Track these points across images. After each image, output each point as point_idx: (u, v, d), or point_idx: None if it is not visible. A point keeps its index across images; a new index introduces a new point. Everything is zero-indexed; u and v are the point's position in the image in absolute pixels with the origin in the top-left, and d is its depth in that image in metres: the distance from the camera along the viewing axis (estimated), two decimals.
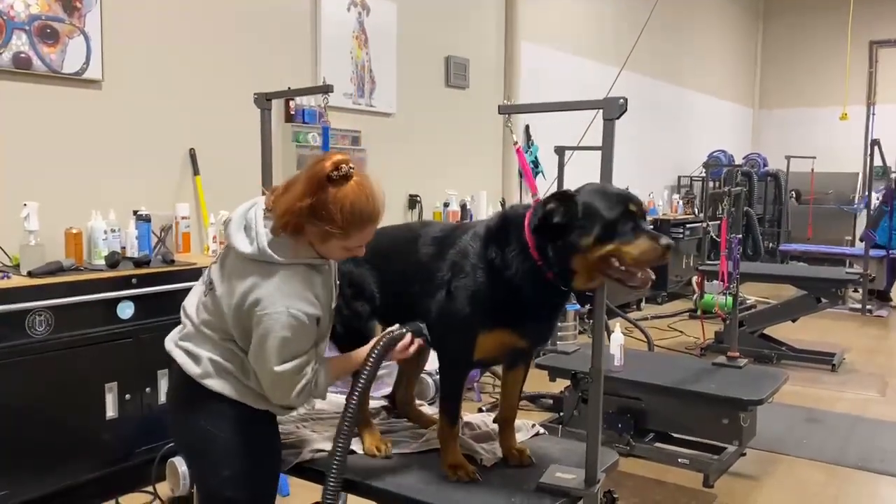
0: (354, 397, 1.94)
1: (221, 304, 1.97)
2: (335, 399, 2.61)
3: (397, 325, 2.05)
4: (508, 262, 1.96)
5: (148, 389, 3.44)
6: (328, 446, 2.24)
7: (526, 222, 1.95)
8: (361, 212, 1.90)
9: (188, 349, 2.03)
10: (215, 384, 1.99)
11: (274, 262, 1.92)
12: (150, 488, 3.43)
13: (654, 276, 1.93)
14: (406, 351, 2.04)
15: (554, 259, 1.91)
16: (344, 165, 1.88)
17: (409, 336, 2.03)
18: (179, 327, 2.11)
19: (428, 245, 2.15)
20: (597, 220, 1.87)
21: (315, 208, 1.87)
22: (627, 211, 1.88)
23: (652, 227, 1.93)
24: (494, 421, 2.36)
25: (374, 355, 1.97)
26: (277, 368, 1.91)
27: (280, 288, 1.90)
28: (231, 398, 2.00)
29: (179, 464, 3.30)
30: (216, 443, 2.01)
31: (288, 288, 1.91)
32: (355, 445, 2.22)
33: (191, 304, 2.11)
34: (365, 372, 1.96)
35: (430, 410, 2.49)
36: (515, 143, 2.83)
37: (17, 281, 3.09)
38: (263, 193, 2.06)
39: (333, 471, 1.90)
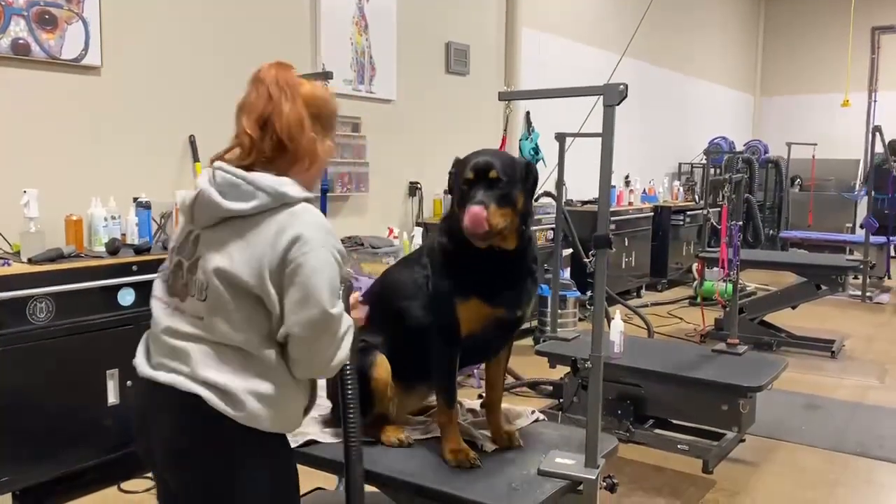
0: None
1: (226, 286, 1.62)
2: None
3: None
4: (457, 236, 2.04)
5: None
6: (325, 437, 2.26)
7: None
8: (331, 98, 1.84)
9: (215, 383, 1.63)
10: (262, 418, 1.65)
11: (293, 200, 1.67)
12: (151, 474, 3.45)
13: (482, 232, 1.92)
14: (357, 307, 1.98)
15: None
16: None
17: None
18: (166, 351, 1.70)
19: (401, 267, 2.35)
20: (457, 188, 2.03)
21: (318, 117, 1.76)
22: (466, 179, 1.97)
23: (499, 190, 1.94)
24: (482, 406, 2.37)
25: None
26: (334, 311, 1.64)
27: (314, 223, 1.66)
28: (267, 430, 1.68)
29: None
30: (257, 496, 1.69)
31: (321, 222, 1.69)
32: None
33: (171, 320, 1.72)
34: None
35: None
36: (504, 131, 2.83)
37: (17, 268, 3.10)
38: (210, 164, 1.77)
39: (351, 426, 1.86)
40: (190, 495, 1.72)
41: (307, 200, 1.71)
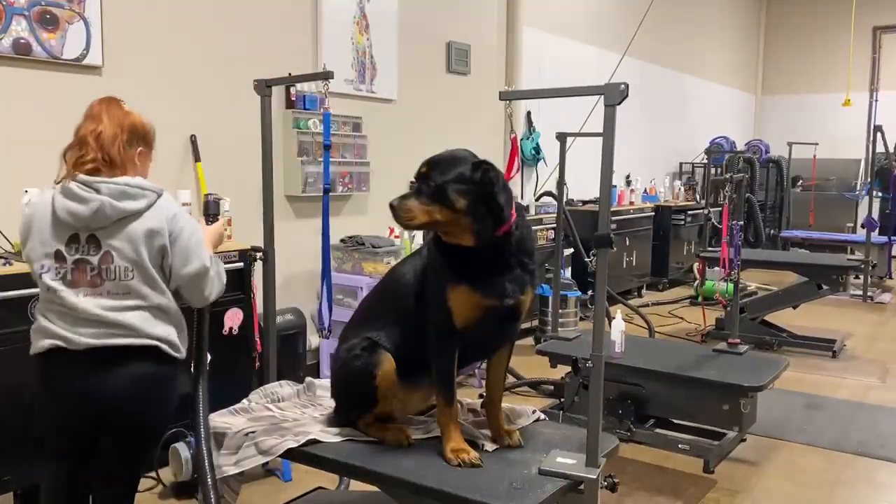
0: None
1: (139, 266, 2.19)
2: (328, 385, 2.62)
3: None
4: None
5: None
6: (326, 436, 2.27)
7: None
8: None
9: (159, 336, 2.23)
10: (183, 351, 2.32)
11: (155, 190, 2.26)
12: (153, 473, 3.45)
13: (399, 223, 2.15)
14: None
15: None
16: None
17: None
18: (104, 324, 2.17)
19: (406, 260, 2.46)
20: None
21: (145, 138, 2.42)
22: (422, 170, 2.14)
23: (429, 188, 2.08)
24: (483, 405, 2.37)
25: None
26: (207, 262, 2.29)
27: (175, 203, 2.32)
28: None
29: (182, 449, 3.34)
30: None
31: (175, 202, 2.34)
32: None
33: (94, 302, 2.19)
34: None
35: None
36: (513, 132, 2.85)
37: (18, 267, 3.10)
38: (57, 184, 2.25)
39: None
40: (141, 423, 2.27)
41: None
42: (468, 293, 2.08)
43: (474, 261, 2.09)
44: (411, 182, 2.15)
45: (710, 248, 6.72)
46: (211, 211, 2.67)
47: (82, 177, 2.19)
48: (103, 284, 2.18)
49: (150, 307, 2.22)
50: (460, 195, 2.04)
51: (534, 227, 6.38)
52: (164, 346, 2.23)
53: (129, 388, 2.20)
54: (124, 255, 2.18)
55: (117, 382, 2.19)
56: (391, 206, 2.09)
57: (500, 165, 6.96)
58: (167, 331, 2.24)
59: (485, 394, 2.36)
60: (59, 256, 2.18)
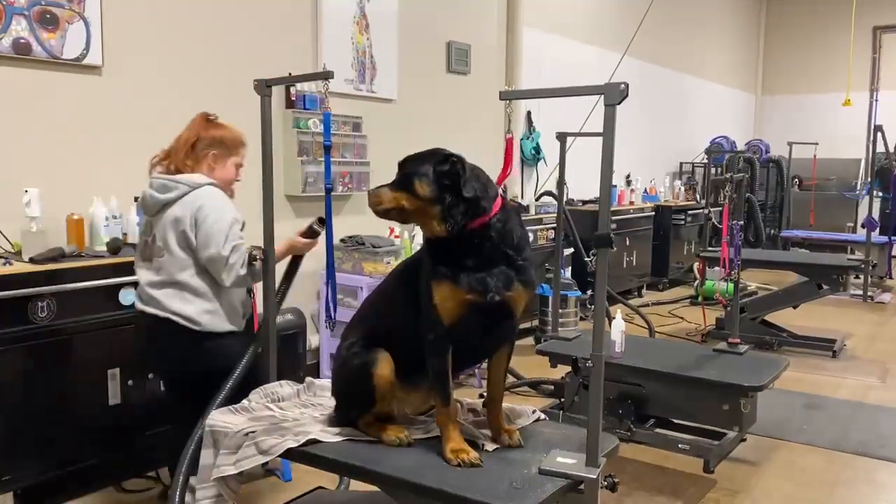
0: None
1: (169, 248, 2.75)
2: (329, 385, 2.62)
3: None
4: None
5: (150, 375, 3.45)
6: (326, 436, 2.27)
7: None
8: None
9: (177, 311, 2.75)
10: (203, 324, 2.77)
11: (189, 184, 2.76)
12: (152, 473, 3.45)
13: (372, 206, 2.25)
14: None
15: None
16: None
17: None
18: (147, 295, 2.80)
19: (400, 269, 2.47)
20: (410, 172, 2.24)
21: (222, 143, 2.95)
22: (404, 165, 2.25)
23: (399, 178, 2.23)
24: (484, 405, 2.37)
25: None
26: (224, 251, 2.69)
27: (210, 197, 2.76)
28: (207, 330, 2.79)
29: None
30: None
31: (216, 197, 2.80)
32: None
33: (146, 275, 2.81)
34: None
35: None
36: (509, 132, 2.87)
37: (18, 267, 3.10)
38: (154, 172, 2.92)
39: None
40: (170, 380, 3.04)
41: (214, 185, 2.84)
42: (450, 288, 2.10)
43: (455, 254, 2.11)
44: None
45: (710, 248, 6.72)
46: (307, 233, 3.05)
47: (154, 173, 2.87)
48: (151, 261, 2.79)
49: (174, 283, 2.74)
50: (424, 184, 2.14)
51: (534, 227, 6.38)
52: (179, 320, 2.73)
53: (155, 352, 2.89)
54: (161, 237, 2.75)
55: (150, 344, 2.87)
56: (368, 192, 2.27)
57: (498, 165, 6.96)
58: (184, 307, 2.73)
59: (486, 393, 2.36)
60: (140, 236, 2.91)
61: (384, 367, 2.20)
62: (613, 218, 7.14)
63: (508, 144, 2.87)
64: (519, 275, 2.15)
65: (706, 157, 9.00)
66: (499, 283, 2.11)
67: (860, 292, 7.98)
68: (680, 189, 9.74)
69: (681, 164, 10.85)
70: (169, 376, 3.01)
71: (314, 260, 3.52)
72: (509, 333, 2.28)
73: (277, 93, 4.74)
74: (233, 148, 2.96)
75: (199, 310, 2.75)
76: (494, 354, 2.29)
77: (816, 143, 9.85)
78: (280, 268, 3.00)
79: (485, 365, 2.40)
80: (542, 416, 2.52)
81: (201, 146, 2.89)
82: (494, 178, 2.30)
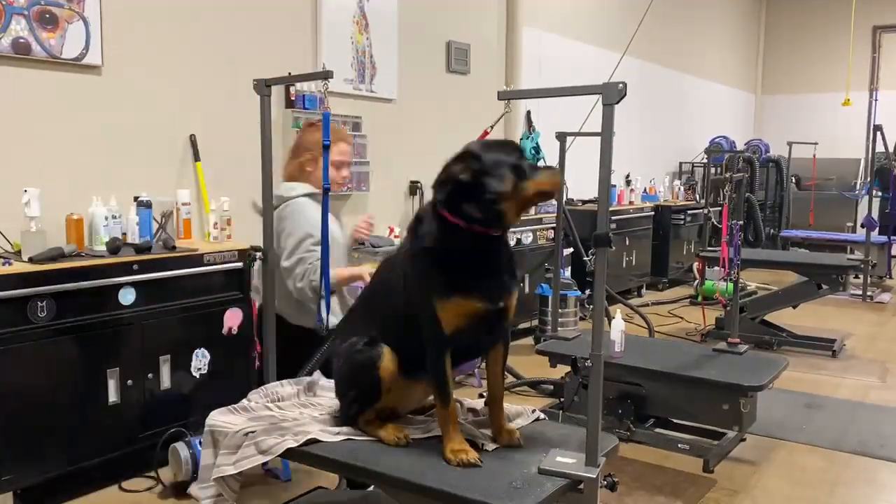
0: None
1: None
2: (329, 385, 2.61)
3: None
4: (435, 236, 2.10)
5: (150, 375, 3.45)
6: (326, 436, 2.27)
7: (433, 200, 2.13)
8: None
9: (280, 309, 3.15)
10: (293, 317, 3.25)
11: (285, 196, 3.17)
12: (152, 473, 3.45)
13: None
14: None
15: (480, 211, 2.04)
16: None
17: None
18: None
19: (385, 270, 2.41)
20: (505, 167, 2.05)
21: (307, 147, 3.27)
22: (521, 153, 2.13)
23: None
24: (486, 404, 2.37)
25: None
26: (286, 264, 3.09)
27: (296, 214, 3.16)
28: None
29: (181, 449, 3.34)
30: None
31: (300, 213, 3.16)
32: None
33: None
34: None
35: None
36: (490, 128, 2.88)
37: (18, 267, 3.09)
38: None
39: None
40: None
41: (308, 195, 3.21)
42: (461, 301, 2.07)
43: (471, 261, 2.08)
44: (526, 161, 2.13)
45: (709, 248, 6.72)
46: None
47: (280, 182, 3.26)
48: None
49: (282, 282, 3.13)
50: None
51: (533, 227, 6.39)
52: (281, 314, 3.14)
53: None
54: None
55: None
56: (556, 171, 2.27)
57: None
58: (280, 303, 3.09)
59: (487, 392, 2.36)
60: None
61: (388, 360, 2.20)
62: (613, 218, 7.15)
63: (483, 135, 2.86)
64: (512, 277, 2.17)
65: (706, 156, 8.99)
66: (502, 289, 2.12)
67: (860, 292, 7.98)
68: (679, 189, 9.73)
69: (680, 163, 10.85)
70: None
71: None
72: (505, 332, 2.29)
73: (277, 92, 4.74)
74: (316, 147, 3.10)
75: (287, 307, 3.19)
76: (491, 352, 2.29)
77: (816, 143, 9.85)
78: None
79: (483, 365, 2.40)
80: (542, 415, 2.52)
81: (299, 152, 3.17)
82: None
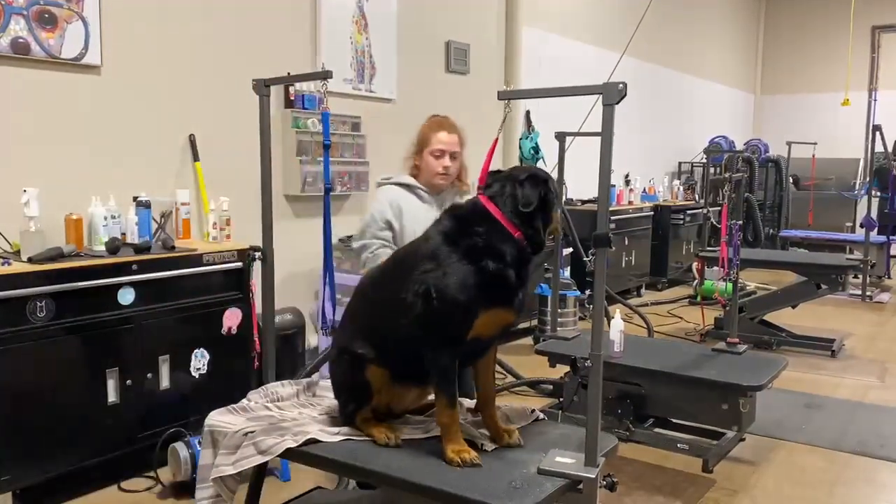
0: None
1: None
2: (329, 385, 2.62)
3: None
4: (491, 243, 2.13)
5: (149, 375, 3.45)
6: (325, 436, 2.27)
7: (492, 209, 2.18)
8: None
9: None
10: None
11: (378, 182, 3.25)
12: (152, 473, 3.45)
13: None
14: None
15: (538, 229, 2.20)
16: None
17: None
18: None
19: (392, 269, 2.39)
20: (555, 196, 2.28)
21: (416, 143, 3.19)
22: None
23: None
24: (476, 408, 2.37)
25: None
26: (355, 245, 3.17)
27: (377, 197, 3.17)
28: None
29: (181, 449, 3.33)
30: None
31: (381, 197, 3.15)
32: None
33: None
34: None
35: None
36: (499, 132, 2.88)
37: (17, 267, 3.09)
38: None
39: None
40: None
41: (398, 184, 3.16)
42: (500, 311, 2.14)
43: (509, 275, 2.13)
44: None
45: (709, 248, 6.73)
46: None
47: None
48: None
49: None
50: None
51: None
52: None
53: None
54: None
55: None
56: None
57: (499, 166, 6.95)
58: None
59: (477, 397, 2.36)
60: None
61: (376, 365, 2.22)
62: (612, 218, 7.14)
63: (494, 144, 2.86)
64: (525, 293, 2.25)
65: (705, 156, 8.98)
66: (522, 304, 2.20)
67: (859, 292, 7.98)
68: (679, 189, 9.73)
69: (680, 163, 10.85)
70: None
71: (313, 259, 3.52)
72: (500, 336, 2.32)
73: (276, 92, 4.73)
74: (423, 142, 3.09)
75: None
76: (484, 356, 2.30)
77: (815, 143, 9.86)
78: None
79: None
80: (541, 415, 2.52)
81: (413, 146, 3.16)
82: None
